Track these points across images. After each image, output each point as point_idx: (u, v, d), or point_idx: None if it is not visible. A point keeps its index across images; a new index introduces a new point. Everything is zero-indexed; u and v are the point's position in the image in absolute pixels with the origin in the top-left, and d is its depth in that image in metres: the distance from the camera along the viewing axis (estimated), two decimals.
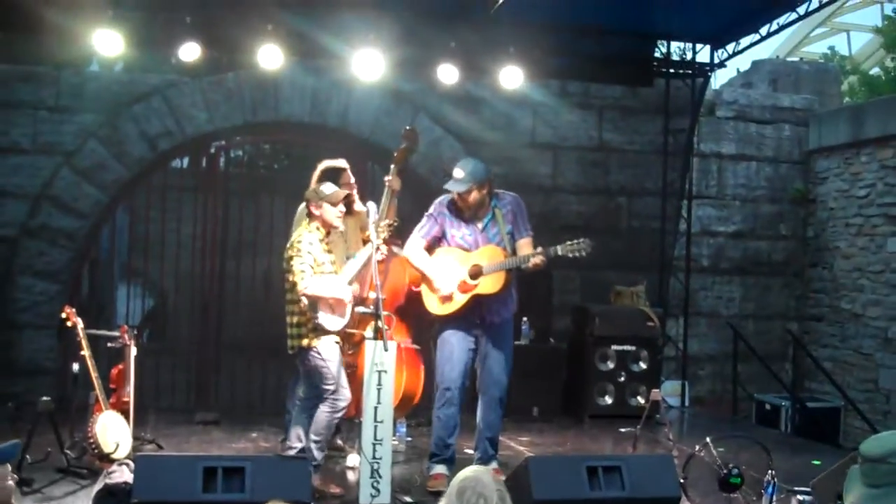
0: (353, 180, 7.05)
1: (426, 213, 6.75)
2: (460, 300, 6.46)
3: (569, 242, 6.34)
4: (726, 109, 11.68)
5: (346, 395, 6.12)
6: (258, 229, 10.71)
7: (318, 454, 6.07)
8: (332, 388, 6.03)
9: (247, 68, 9.56)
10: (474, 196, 6.48)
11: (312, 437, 6.07)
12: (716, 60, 10.45)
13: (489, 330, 6.58)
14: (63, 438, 6.59)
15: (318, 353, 6.02)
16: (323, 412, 6.06)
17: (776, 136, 11.85)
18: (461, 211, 6.58)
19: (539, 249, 6.35)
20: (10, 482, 3.90)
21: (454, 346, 6.54)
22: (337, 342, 6.13)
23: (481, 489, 3.27)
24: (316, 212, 6.16)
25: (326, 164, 7.04)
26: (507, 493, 3.34)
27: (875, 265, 10.77)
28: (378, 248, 6.29)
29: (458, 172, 6.51)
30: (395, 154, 7.26)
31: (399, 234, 7.15)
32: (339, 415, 6.17)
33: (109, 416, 6.57)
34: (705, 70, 10.54)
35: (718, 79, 19.61)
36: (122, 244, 11.77)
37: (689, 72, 10.59)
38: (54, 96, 9.51)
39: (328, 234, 6.25)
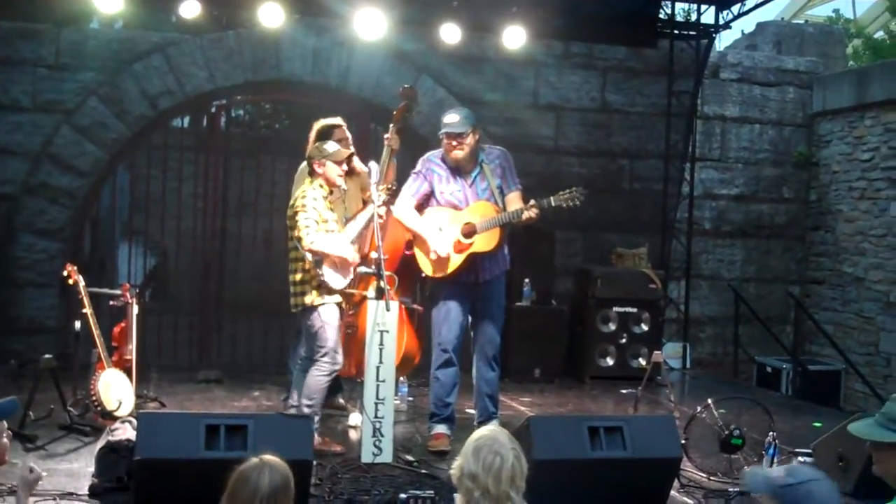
0: (349, 136, 7.02)
1: (413, 172, 6.67)
2: (456, 261, 6.42)
3: (561, 192, 6.31)
4: (730, 71, 11.60)
5: (338, 359, 6.11)
6: (259, 189, 10.68)
7: (313, 417, 6.07)
8: (324, 350, 6.03)
9: (247, 26, 9.50)
10: (470, 140, 6.41)
11: (304, 401, 6.06)
12: (720, 22, 10.38)
13: (483, 288, 6.55)
14: (66, 396, 6.62)
15: (319, 314, 6.01)
16: (314, 376, 6.06)
17: (780, 99, 11.79)
18: (451, 164, 6.51)
19: (532, 202, 6.30)
20: (5, 439, 3.89)
21: (450, 307, 6.52)
22: (339, 303, 6.12)
23: (497, 448, 3.28)
24: (319, 170, 6.13)
25: (321, 122, 7.02)
26: (522, 452, 3.36)
27: (877, 229, 10.75)
28: (379, 212, 6.28)
29: (452, 117, 6.45)
30: (394, 113, 7.23)
31: (396, 197, 7.15)
32: (331, 378, 6.15)
33: (112, 373, 6.59)
34: (710, 31, 10.47)
35: (723, 41, 19.45)
36: (122, 203, 11.76)
37: (694, 33, 10.52)
38: (54, 54, 9.44)
39: (331, 192, 6.22)
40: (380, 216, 6.35)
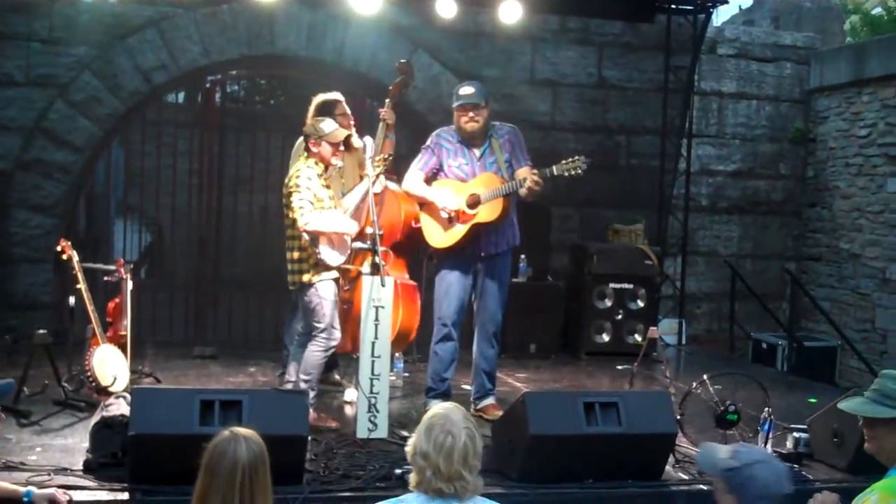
0: (348, 111, 6.99)
1: (423, 147, 6.73)
2: (460, 231, 6.43)
3: (564, 161, 6.32)
4: (727, 47, 11.54)
5: (336, 335, 6.11)
6: (254, 165, 10.65)
7: (309, 392, 6.07)
8: (322, 326, 6.02)
9: (242, 1, 9.42)
10: (484, 113, 6.46)
11: (302, 376, 6.06)
12: None
13: (487, 263, 6.57)
14: (60, 372, 6.61)
15: (316, 290, 6.00)
16: (311, 351, 6.05)
17: (777, 75, 11.73)
18: (463, 137, 6.52)
19: (535, 171, 6.30)
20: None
21: (452, 282, 6.55)
22: (335, 279, 6.10)
23: (449, 427, 3.26)
24: (314, 149, 6.10)
25: (321, 97, 6.98)
26: (477, 432, 3.34)
27: (874, 205, 10.73)
28: (374, 182, 6.27)
29: (467, 89, 6.51)
30: (391, 88, 7.20)
31: (395, 170, 7.12)
32: (328, 354, 6.15)
33: (106, 349, 6.58)
34: (707, 6, 10.38)
35: (720, 16, 19.38)
36: (118, 179, 11.72)
37: (691, 8, 10.44)
38: (47, 28, 9.35)
39: (326, 169, 6.19)
40: (379, 187, 6.35)
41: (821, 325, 11.27)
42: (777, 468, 3.15)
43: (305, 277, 6.02)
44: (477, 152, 6.55)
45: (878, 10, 19.53)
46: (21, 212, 9.33)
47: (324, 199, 6.06)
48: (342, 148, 6.23)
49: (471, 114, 6.45)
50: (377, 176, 6.45)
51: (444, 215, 6.45)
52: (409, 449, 3.36)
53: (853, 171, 11.09)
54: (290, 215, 5.97)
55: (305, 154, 6.17)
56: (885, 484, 3.35)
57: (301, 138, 6.50)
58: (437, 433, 3.25)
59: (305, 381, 6.04)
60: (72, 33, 9.39)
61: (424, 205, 6.62)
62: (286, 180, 6.14)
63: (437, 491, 3.22)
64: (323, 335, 6.03)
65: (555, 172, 6.32)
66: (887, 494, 3.28)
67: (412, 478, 3.33)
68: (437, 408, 3.42)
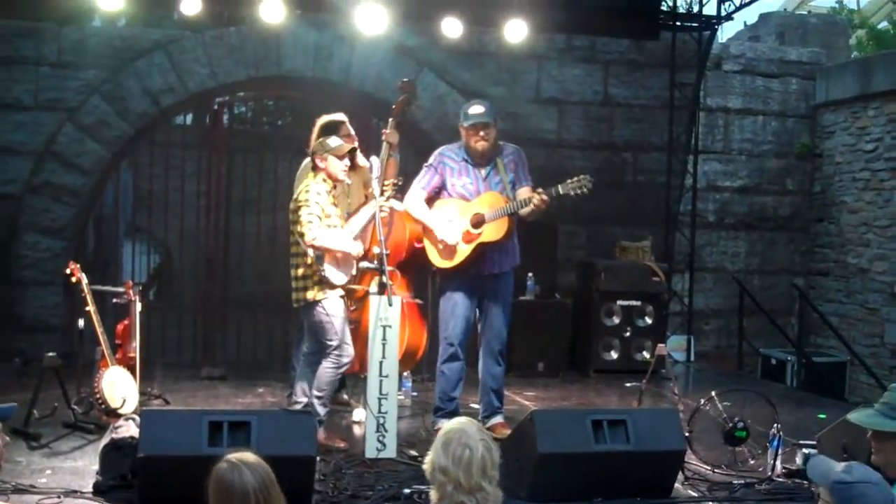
0: (352, 132, 7.02)
1: (425, 165, 6.74)
2: (465, 251, 6.43)
3: (570, 180, 6.32)
4: (733, 63, 11.57)
5: (349, 351, 6.12)
6: (262, 186, 10.69)
7: (321, 410, 6.07)
8: (335, 343, 6.02)
9: (249, 23, 9.49)
10: (493, 132, 6.48)
11: (315, 392, 6.07)
12: (722, 13, 10.36)
13: (491, 282, 6.57)
14: (70, 394, 6.62)
15: (323, 308, 6.01)
16: (325, 368, 6.06)
17: (783, 90, 11.75)
18: (472, 156, 6.54)
19: (540, 190, 6.32)
20: (1, 442, 3.90)
21: (458, 302, 6.55)
22: (342, 296, 6.12)
23: (466, 440, 3.28)
24: (321, 164, 6.12)
25: (325, 118, 7.01)
26: (494, 444, 3.36)
27: (882, 220, 10.72)
28: (381, 207, 6.28)
29: (478, 108, 6.53)
30: (394, 107, 7.23)
31: (402, 193, 7.14)
32: (342, 371, 6.17)
33: (116, 371, 6.59)
34: (712, 23, 10.43)
35: (725, 32, 19.41)
36: (126, 201, 11.79)
37: (696, 24, 10.48)
38: (56, 52, 9.44)
39: (334, 187, 6.22)
40: (382, 210, 6.36)
41: (829, 340, 11.23)
42: (886, 493, 3.13)
43: (310, 294, 6.03)
44: (482, 171, 6.56)
45: (884, 25, 19.55)
46: (31, 235, 9.38)
47: (332, 215, 6.09)
48: (348, 163, 6.25)
49: (481, 133, 6.47)
50: (387, 199, 6.48)
51: (441, 247, 6.45)
52: (426, 466, 3.37)
53: (860, 185, 11.08)
54: (298, 230, 5.98)
55: (313, 173, 6.19)
56: None
57: (306, 160, 6.53)
58: (454, 447, 3.26)
59: (318, 398, 6.05)
60: (80, 57, 9.48)
61: (425, 228, 6.62)
62: (295, 196, 6.17)
63: None
64: (336, 352, 6.04)
65: (560, 192, 6.34)
66: None
67: (432, 495, 3.34)
68: (452, 423, 3.43)
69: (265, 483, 3.14)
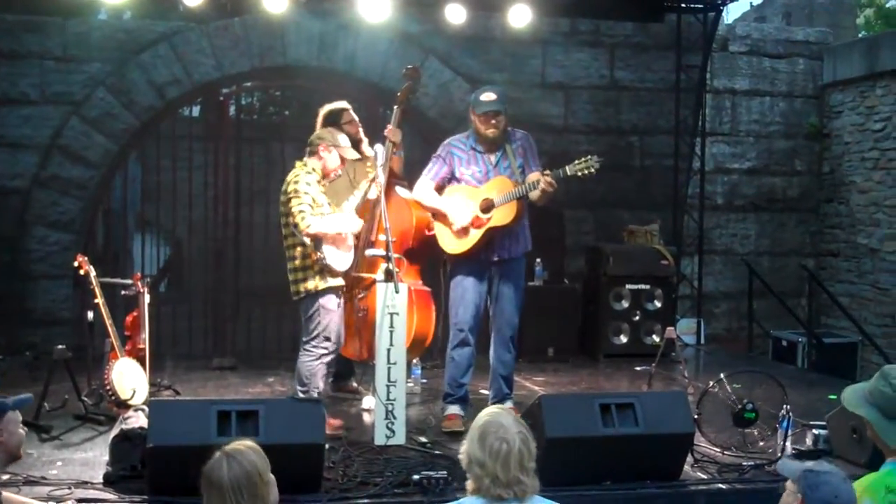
0: (356, 118, 7.04)
1: (433, 156, 6.74)
2: (475, 236, 6.44)
3: (576, 161, 6.30)
4: (739, 44, 11.51)
5: (325, 345, 6.11)
6: (270, 176, 10.66)
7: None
8: (314, 333, 6.08)
9: (253, 13, 9.47)
10: (504, 119, 6.47)
11: (298, 386, 6.10)
12: None
13: (501, 268, 6.57)
14: (80, 386, 6.66)
15: (320, 302, 6.06)
16: (301, 360, 6.11)
17: (790, 71, 11.70)
18: (483, 143, 6.53)
19: (547, 172, 6.31)
20: (21, 431, 3.92)
21: (468, 287, 6.55)
22: (340, 286, 6.14)
23: (503, 434, 3.26)
24: (323, 153, 6.14)
25: (328, 107, 7.03)
26: (529, 432, 3.34)
27: (891, 199, 10.67)
28: (370, 188, 6.34)
29: (490, 95, 6.51)
30: (398, 94, 7.23)
31: (406, 176, 7.16)
32: (320, 362, 6.14)
33: (125, 363, 6.62)
34: (717, 4, 10.35)
35: (731, 13, 19.35)
36: (134, 194, 11.79)
37: (701, 6, 10.40)
38: (61, 46, 9.46)
39: (325, 177, 6.22)
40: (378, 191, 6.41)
41: (840, 321, 11.19)
42: (850, 490, 3.16)
43: (311, 285, 6.05)
44: (493, 158, 6.55)
45: (892, 4, 19.46)
46: (39, 229, 9.42)
47: (323, 204, 6.10)
48: (351, 157, 6.28)
49: (493, 121, 6.45)
50: (371, 182, 6.54)
51: (455, 228, 6.45)
52: (462, 457, 3.35)
53: (869, 165, 11.03)
54: (291, 221, 5.99)
55: (304, 161, 6.20)
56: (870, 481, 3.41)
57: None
58: (491, 441, 3.24)
59: (302, 391, 6.05)
60: (85, 51, 9.49)
61: (437, 213, 6.63)
62: (283, 187, 6.17)
63: (496, 497, 3.23)
64: (313, 342, 6.08)
65: (568, 173, 6.30)
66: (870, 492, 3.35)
67: (469, 485, 3.33)
68: (487, 414, 3.40)
69: (250, 475, 3.10)
